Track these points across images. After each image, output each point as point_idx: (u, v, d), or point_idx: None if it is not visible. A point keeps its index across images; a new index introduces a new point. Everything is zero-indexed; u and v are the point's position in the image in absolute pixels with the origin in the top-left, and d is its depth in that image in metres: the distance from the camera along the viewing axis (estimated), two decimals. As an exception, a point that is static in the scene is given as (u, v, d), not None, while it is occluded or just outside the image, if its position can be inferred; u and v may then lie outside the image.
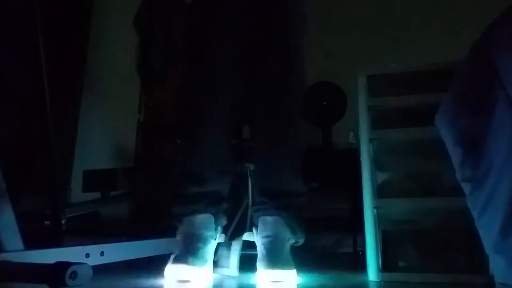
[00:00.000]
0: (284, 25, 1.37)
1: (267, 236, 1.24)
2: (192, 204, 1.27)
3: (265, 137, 1.35)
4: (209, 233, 1.25)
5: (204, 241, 1.23)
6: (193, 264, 1.15)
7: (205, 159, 1.30)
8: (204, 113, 1.32)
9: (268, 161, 1.34)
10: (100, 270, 1.15)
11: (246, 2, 1.37)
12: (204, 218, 1.26)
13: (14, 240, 0.98)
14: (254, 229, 1.32)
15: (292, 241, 1.29)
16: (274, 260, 1.18)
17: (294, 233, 1.28)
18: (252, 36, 1.36)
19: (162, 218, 1.44)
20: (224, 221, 1.35)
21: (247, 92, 1.42)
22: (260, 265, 1.18)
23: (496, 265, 0.89)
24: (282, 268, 1.15)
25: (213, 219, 1.27)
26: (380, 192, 1.32)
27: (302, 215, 1.32)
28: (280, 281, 1.13)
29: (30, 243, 1.02)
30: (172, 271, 1.15)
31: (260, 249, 1.23)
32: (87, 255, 1.16)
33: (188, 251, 1.19)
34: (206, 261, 1.20)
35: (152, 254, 1.48)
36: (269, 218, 1.27)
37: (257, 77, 1.38)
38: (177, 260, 1.17)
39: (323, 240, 2.26)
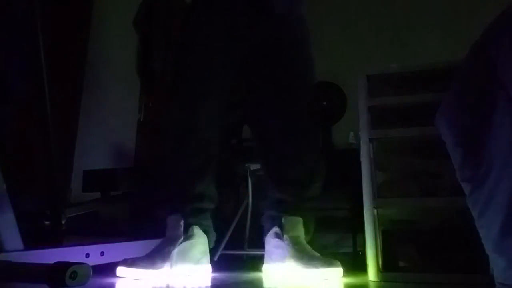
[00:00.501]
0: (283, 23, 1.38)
1: (296, 237, 1.28)
2: (163, 206, 1.33)
3: (280, 137, 1.36)
4: (177, 233, 1.27)
5: (172, 242, 1.25)
6: (152, 267, 1.18)
7: (176, 159, 1.34)
8: (186, 113, 1.32)
9: (291, 165, 1.36)
10: (100, 270, 1.15)
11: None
12: (170, 220, 1.30)
13: (14, 240, 0.98)
14: (277, 228, 1.33)
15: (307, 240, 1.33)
16: (314, 259, 1.22)
17: (307, 232, 1.34)
18: (251, 33, 1.36)
19: (162, 217, 1.44)
20: (200, 221, 1.33)
21: (262, 95, 1.41)
22: (299, 263, 1.21)
23: (496, 265, 0.89)
24: (328, 266, 1.19)
25: (180, 219, 1.29)
26: (380, 192, 1.32)
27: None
28: (327, 279, 1.17)
29: (30, 243, 1.02)
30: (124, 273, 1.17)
31: (290, 248, 1.25)
32: (87, 255, 1.16)
33: (151, 253, 1.24)
34: (165, 261, 1.21)
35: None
36: (294, 219, 1.32)
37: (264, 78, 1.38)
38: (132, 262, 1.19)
39: (323, 240, 2.26)
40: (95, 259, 1.18)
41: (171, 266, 1.21)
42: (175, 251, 1.23)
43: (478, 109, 0.90)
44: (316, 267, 1.18)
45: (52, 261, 0.86)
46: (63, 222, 1.32)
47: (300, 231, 1.32)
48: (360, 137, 1.38)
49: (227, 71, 1.36)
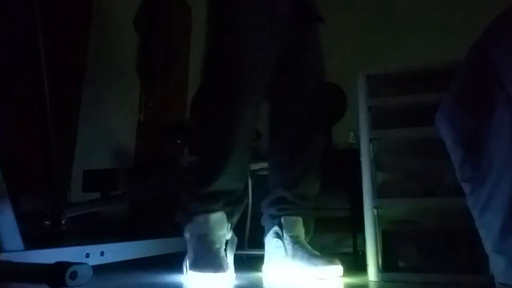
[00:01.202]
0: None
1: (296, 236, 1.29)
2: (209, 202, 1.24)
3: (299, 139, 1.36)
4: (222, 233, 1.24)
5: (220, 241, 1.22)
6: (221, 270, 1.10)
7: (230, 156, 1.24)
8: (235, 109, 1.25)
9: (301, 165, 1.36)
10: (100, 270, 1.15)
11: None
12: (217, 217, 1.24)
13: (14, 240, 0.98)
14: (278, 228, 1.33)
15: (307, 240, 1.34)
16: (314, 257, 1.22)
17: (307, 233, 1.34)
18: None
19: (163, 218, 1.43)
20: (236, 220, 1.32)
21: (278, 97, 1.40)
22: (299, 262, 1.22)
23: (496, 265, 0.89)
24: (328, 265, 1.19)
25: (225, 217, 1.25)
26: (380, 192, 1.32)
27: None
28: (327, 277, 1.18)
29: (30, 243, 1.02)
30: (202, 279, 1.10)
31: (290, 247, 1.26)
32: (87, 255, 1.16)
33: (209, 256, 1.16)
34: (227, 262, 1.17)
35: (152, 254, 1.48)
36: (294, 218, 1.32)
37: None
38: (200, 266, 1.13)
39: (323, 240, 2.26)
40: (95, 259, 1.18)
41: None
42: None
43: (478, 109, 0.90)
44: (316, 265, 1.18)
45: (52, 261, 0.85)
46: (63, 222, 1.32)
47: (300, 231, 1.32)
48: (360, 137, 1.38)
49: (265, 77, 1.31)
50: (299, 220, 1.33)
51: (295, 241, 1.28)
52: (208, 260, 1.13)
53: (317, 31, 1.43)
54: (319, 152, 1.39)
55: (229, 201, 1.27)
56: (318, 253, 1.25)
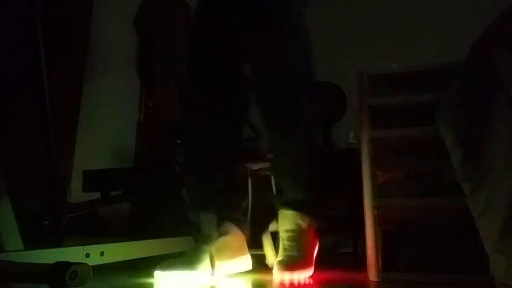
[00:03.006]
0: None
1: (286, 231, 1.26)
2: (200, 204, 1.28)
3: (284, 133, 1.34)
4: (210, 231, 1.24)
5: (207, 240, 1.22)
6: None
7: (198, 154, 1.30)
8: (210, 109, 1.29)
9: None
10: (100, 270, 1.15)
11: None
12: (203, 217, 1.26)
13: (14, 240, 0.98)
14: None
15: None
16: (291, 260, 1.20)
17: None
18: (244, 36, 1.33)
19: (162, 218, 1.43)
20: (233, 214, 1.31)
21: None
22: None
23: (496, 265, 0.89)
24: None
25: (212, 215, 1.25)
26: (380, 192, 1.32)
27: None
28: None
29: (30, 243, 1.02)
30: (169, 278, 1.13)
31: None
32: (87, 255, 1.16)
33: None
34: (202, 261, 1.18)
35: (152, 254, 1.47)
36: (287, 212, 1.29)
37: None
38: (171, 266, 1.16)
39: (323, 240, 2.26)
40: (95, 259, 1.18)
41: (209, 265, 1.17)
42: (212, 250, 1.20)
43: (478, 109, 0.90)
44: None
45: (52, 261, 0.85)
46: (63, 222, 1.32)
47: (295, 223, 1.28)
48: (360, 137, 1.38)
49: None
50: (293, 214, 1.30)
51: (285, 236, 1.27)
52: (184, 258, 1.17)
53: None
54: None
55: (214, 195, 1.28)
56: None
